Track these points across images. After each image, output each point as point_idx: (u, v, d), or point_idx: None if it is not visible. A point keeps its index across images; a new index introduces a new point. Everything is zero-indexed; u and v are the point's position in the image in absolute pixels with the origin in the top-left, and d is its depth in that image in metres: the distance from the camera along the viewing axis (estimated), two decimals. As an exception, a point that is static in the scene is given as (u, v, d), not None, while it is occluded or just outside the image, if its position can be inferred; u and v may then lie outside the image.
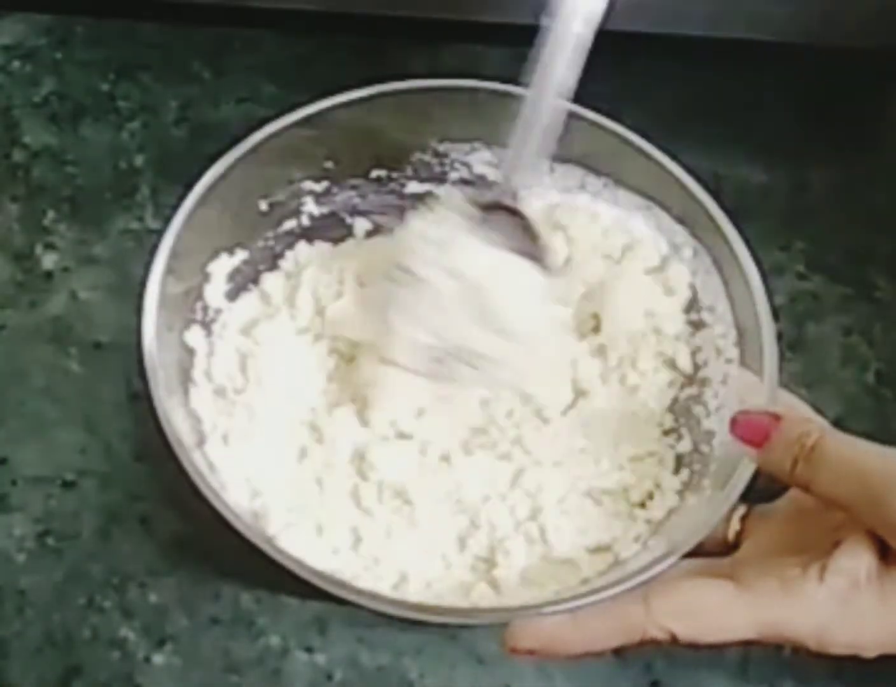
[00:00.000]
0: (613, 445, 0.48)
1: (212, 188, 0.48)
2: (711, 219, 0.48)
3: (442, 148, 0.52)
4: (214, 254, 0.50)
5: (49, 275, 0.57)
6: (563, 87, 0.45)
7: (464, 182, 0.53)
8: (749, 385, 0.45)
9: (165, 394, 0.43)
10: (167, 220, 0.47)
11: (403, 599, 0.43)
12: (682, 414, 0.49)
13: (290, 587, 0.48)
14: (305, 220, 0.52)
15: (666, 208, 0.51)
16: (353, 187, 0.53)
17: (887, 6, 0.62)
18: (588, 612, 0.39)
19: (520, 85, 0.48)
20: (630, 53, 0.60)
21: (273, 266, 0.52)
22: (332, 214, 0.53)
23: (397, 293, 0.47)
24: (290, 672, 0.48)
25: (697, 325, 0.50)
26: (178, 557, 0.50)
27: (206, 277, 0.49)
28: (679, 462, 0.48)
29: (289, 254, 0.52)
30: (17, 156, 0.61)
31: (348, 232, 0.53)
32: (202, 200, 0.47)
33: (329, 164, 0.52)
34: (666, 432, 0.49)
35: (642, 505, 0.47)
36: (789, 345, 0.56)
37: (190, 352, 0.48)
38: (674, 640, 0.39)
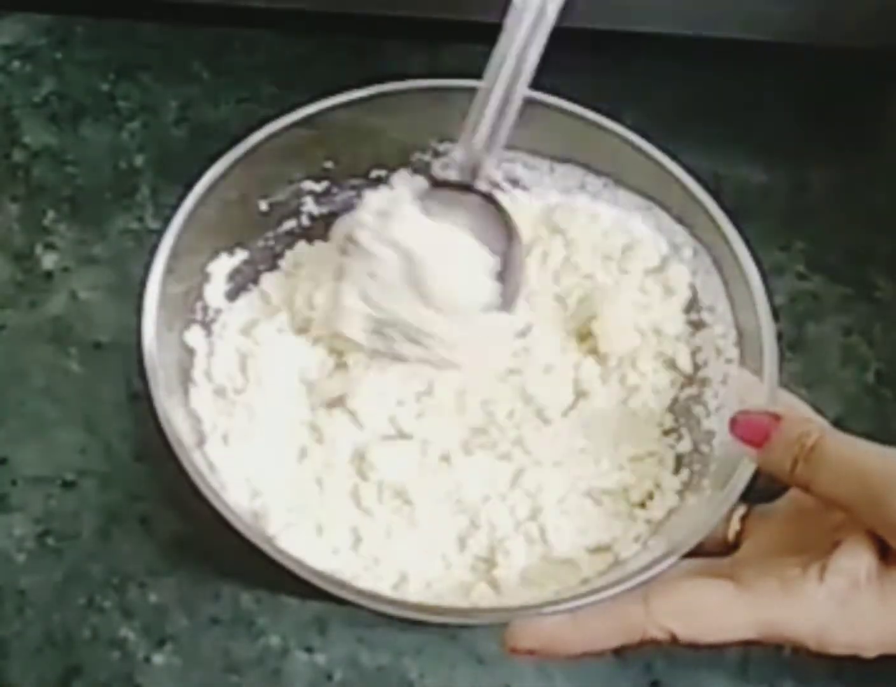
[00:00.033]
0: (613, 445, 0.48)
1: (212, 188, 0.48)
2: (711, 219, 0.48)
3: (442, 148, 0.52)
4: (214, 254, 0.50)
5: (49, 275, 0.57)
6: (522, 67, 0.46)
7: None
8: (749, 385, 0.45)
9: (165, 394, 0.43)
10: (167, 220, 0.47)
11: (403, 599, 0.43)
12: (682, 414, 0.49)
13: (290, 587, 0.48)
14: (305, 220, 0.52)
15: (666, 208, 0.51)
16: (353, 187, 0.53)
17: (887, 6, 0.62)
18: (588, 612, 0.39)
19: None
20: (630, 53, 0.60)
21: (273, 266, 0.52)
22: (332, 214, 0.53)
23: (346, 266, 0.47)
24: (290, 672, 0.48)
25: (697, 325, 0.50)
26: (178, 557, 0.50)
27: (206, 277, 0.49)
28: (679, 462, 0.48)
29: (289, 254, 0.52)
30: (17, 156, 0.61)
31: (348, 232, 0.53)
32: (202, 200, 0.47)
33: (329, 164, 0.52)
34: (666, 432, 0.49)
35: (642, 505, 0.47)
36: (789, 345, 0.56)
37: (190, 352, 0.48)
38: (674, 640, 0.39)
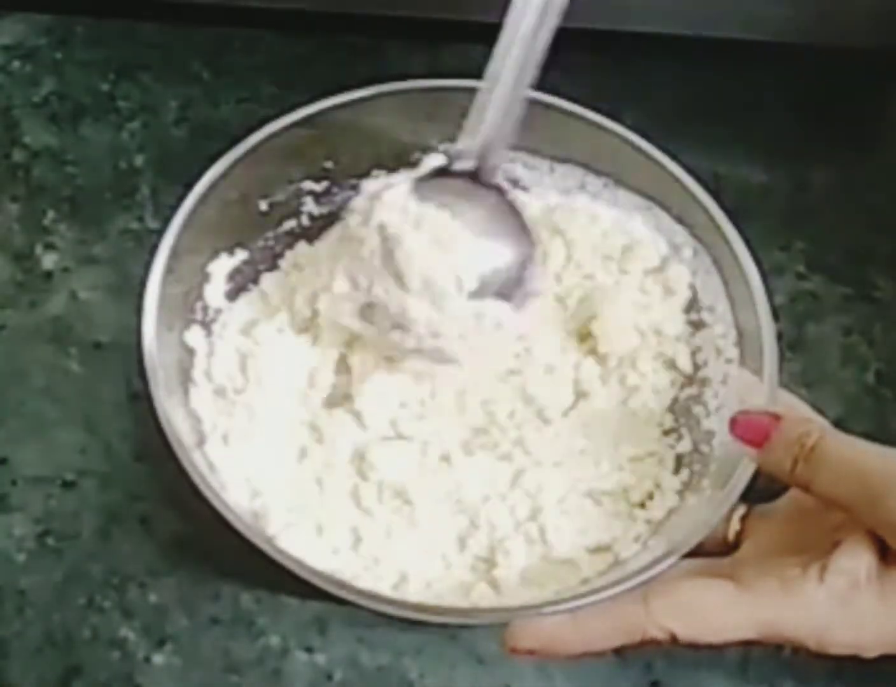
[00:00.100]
0: (613, 446, 0.48)
1: (212, 188, 0.48)
2: (711, 219, 0.48)
3: (442, 148, 0.52)
4: (214, 254, 0.50)
5: (49, 275, 0.57)
6: (529, 55, 0.45)
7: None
8: (749, 385, 0.45)
9: (165, 394, 0.43)
10: (167, 220, 0.47)
11: (403, 599, 0.43)
12: (682, 414, 0.49)
13: (290, 587, 0.48)
14: (305, 220, 0.52)
15: (666, 208, 0.51)
16: (353, 187, 0.52)
17: (887, 6, 0.62)
18: (588, 612, 0.39)
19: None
20: (630, 53, 0.60)
21: (273, 266, 0.52)
22: (332, 214, 0.53)
23: (338, 251, 0.48)
24: (290, 672, 0.48)
25: (697, 325, 0.50)
26: (178, 557, 0.50)
27: (206, 277, 0.49)
28: (679, 462, 0.48)
29: (289, 254, 0.52)
30: (17, 156, 0.61)
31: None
32: (202, 200, 0.47)
33: (329, 164, 0.52)
34: (666, 432, 0.49)
35: (642, 505, 0.47)
36: (789, 345, 0.56)
37: (190, 352, 0.48)
38: (674, 640, 0.39)
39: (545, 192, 0.53)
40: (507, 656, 0.40)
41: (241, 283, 0.51)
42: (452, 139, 0.52)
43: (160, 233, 0.46)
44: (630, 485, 0.47)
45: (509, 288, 0.47)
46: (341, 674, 0.48)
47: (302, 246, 0.52)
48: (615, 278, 0.51)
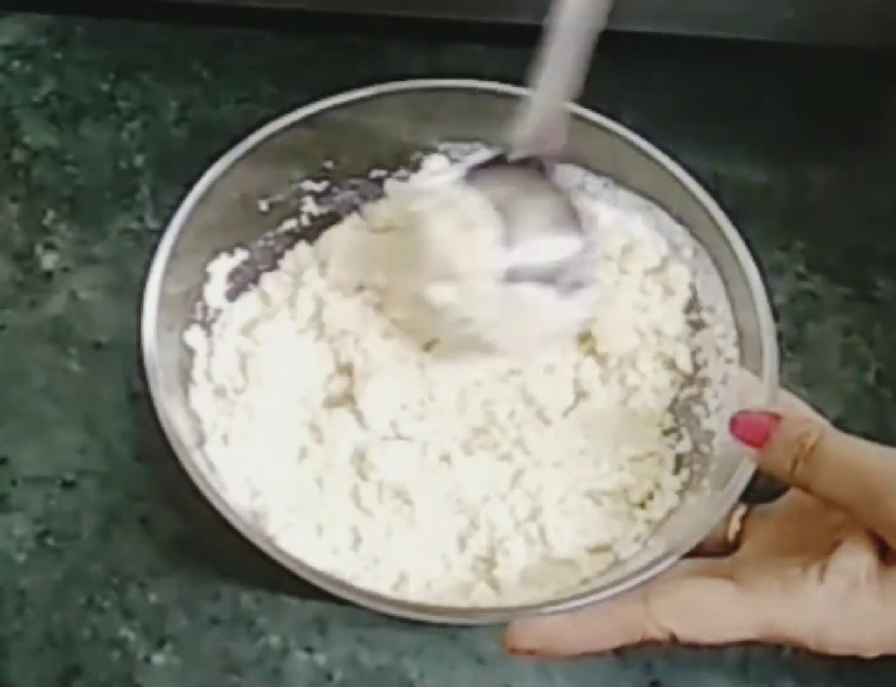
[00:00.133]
0: (613, 446, 0.48)
1: (212, 188, 0.48)
2: (711, 219, 0.48)
3: (442, 148, 0.52)
4: (214, 254, 0.50)
5: (49, 275, 0.57)
6: (580, 37, 0.44)
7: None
8: (749, 385, 0.45)
9: (165, 394, 0.43)
10: (167, 220, 0.47)
11: (403, 599, 0.43)
12: (682, 414, 0.49)
13: (290, 587, 0.48)
14: (305, 220, 0.52)
15: (666, 208, 0.51)
16: (353, 187, 0.53)
17: (887, 6, 0.62)
18: (588, 612, 0.39)
19: (520, 85, 0.49)
20: (630, 53, 0.60)
21: (273, 266, 0.52)
22: (332, 214, 0.53)
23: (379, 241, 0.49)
24: (290, 672, 0.48)
25: (697, 325, 0.50)
26: (178, 557, 0.50)
27: (206, 277, 0.49)
28: (679, 462, 0.48)
29: (289, 254, 0.52)
30: (17, 156, 0.61)
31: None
32: (202, 200, 0.47)
33: (329, 164, 0.52)
34: (666, 432, 0.49)
35: (642, 505, 0.47)
36: (789, 345, 0.56)
37: (190, 352, 0.48)
38: (674, 640, 0.39)
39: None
40: (507, 656, 0.40)
41: (241, 283, 0.51)
42: (452, 139, 0.52)
43: (160, 233, 0.46)
44: (630, 485, 0.47)
45: (554, 275, 0.46)
46: (341, 674, 0.48)
47: (302, 246, 0.52)
48: (615, 278, 0.51)
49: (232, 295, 0.50)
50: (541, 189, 0.47)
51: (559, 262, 0.46)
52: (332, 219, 0.52)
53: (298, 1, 0.64)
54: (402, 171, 0.52)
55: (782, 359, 0.45)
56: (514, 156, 0.47)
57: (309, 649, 0.48)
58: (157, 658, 0.48)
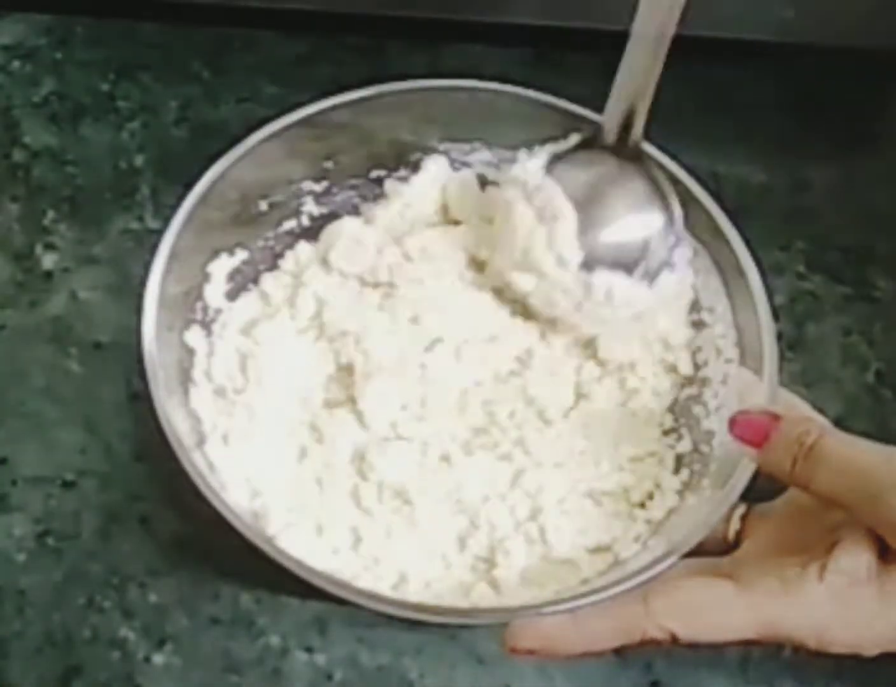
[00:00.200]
0: (613, 446, 0.48)
1: (212, 188, 0.48)
2: (711, 219, 0.48)
3: (442, 148, 0.52)
4: (214, 254, 0.50)
5: (49, 275, 0.57)
6: (666, 23, 0.44)
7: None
8: (749, 385, 0.45)
9: (165, 394, 0.43)
10: (167, 221, 0.47)
11: (403, 599, 0.43)
12: (682, 414, 0.49)
13: (290, 587, 0.48)
14: (305, 220, 0.52)
15: (666, 208, 0.51)
16: (353, 187, 0.53)
17: (887, 6, 0.62)
18: (588, 612, 0.39)
19: (520, 85, 0.49)
20: (630, 53, 0.60)
21: (273, 266, 0.52)
22: (332, 214, 0.53)
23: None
24: (290, 672, 0.48)
25: (697, 326, 0.50)
26: (178, 557, 0.50)
27: (206, 277, 0.49)
28: (679, 462, 0.48)
29: (289, 254, 0.52)
30: (17, 156, 0.61)
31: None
32: (202, 200, 0.47)
33: (329, 164, 0.52)
34: (666, 432, 0.49)
35: (642, 505, 0.47)
36: (789, 345, 0.56)
37: (190, 352, 0.48)
38: (674, 640, 0.39)
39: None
40: (507, 656, 0.40)
41: (241, 283, 0.51)
42: (452, 139, 0.52)
43: (160, 233, 0.46)
44: (630, 485, 0.47)
45: (634, 262, 0.47)
46: (341, 674, 0.48)
47: (302, 246, 0.52)
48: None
49: (232, 295, 0.50)
50: (623, 176, 0.47)
51: (638, 249, 0.47)
52: (332, 219, 0.52)
53: (298, 1, 0.64)
54: (402, 171, 0.52)
55: (782, 359, 0.46)
56: (599, 142, 0.47)
57: (309, 649, 0.48)
58: (157, 658, 0.48)
